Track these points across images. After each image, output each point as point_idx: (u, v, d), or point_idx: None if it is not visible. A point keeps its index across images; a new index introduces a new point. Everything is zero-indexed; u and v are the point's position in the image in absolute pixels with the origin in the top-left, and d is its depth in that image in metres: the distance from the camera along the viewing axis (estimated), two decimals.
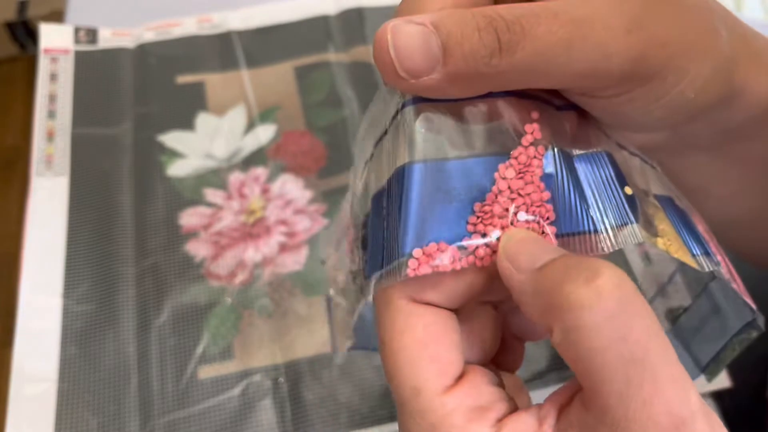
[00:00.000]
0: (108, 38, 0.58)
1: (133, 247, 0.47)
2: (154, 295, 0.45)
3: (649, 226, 0.21)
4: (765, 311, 0.24)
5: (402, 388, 0.20)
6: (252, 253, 0.47)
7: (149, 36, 0.58)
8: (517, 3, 0.20)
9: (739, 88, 0.23)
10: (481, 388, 0.20)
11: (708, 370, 0.25)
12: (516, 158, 0.20)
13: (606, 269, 0.17)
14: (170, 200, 0.49)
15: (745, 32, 0.24)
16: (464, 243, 0.20)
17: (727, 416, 0.42)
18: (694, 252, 0.22)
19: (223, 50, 0.57)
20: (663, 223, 0.22)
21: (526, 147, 0.21)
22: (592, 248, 0.20)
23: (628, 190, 0.22)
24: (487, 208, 0.20)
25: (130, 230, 0.48)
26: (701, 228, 0.24)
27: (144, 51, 0.57)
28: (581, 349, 0.17)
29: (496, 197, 0.20)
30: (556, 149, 0.21)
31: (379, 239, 0.21)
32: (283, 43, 0.58)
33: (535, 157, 0.21)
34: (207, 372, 0.42)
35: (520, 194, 0.20)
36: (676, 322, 0.28)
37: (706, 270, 0.22)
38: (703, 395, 0.41)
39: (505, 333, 0.26)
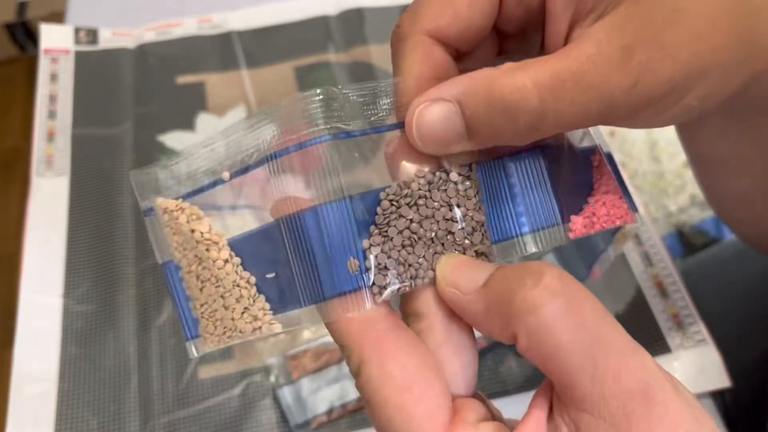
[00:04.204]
0: (108, 38, 0.58)
1: (134, 247, 0.47)
2: (155, 295, 0.45)
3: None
4: None
5: None
6: None
7: (149, 36, 0.58)
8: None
9: (761, 72, 0.22)
10: (476, 427, 0.19)
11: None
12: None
13: (547, 269, 0.18)
14: None
15: None
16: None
17: (727, 415, 0.42)
18: (634, 209, 0.24)
19: (223, 50, 0.57)
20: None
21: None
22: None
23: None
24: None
25: (131, 230, 0.48)
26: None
27: (144, 51, 0.57)
28: (548, 347, 0.18)
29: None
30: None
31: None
32: (283, 43, 0.58)
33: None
34: (207, 372, 0.42)
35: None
36: None
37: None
38: (703, 395, 0.41)
39: None
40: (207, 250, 0.22)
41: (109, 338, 0.43)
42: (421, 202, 0.21)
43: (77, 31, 0.57)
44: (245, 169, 0.22)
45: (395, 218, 0.21)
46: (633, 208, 0.24)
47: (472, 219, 0.21)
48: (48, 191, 0.49)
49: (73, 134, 0.52)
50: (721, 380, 0.41)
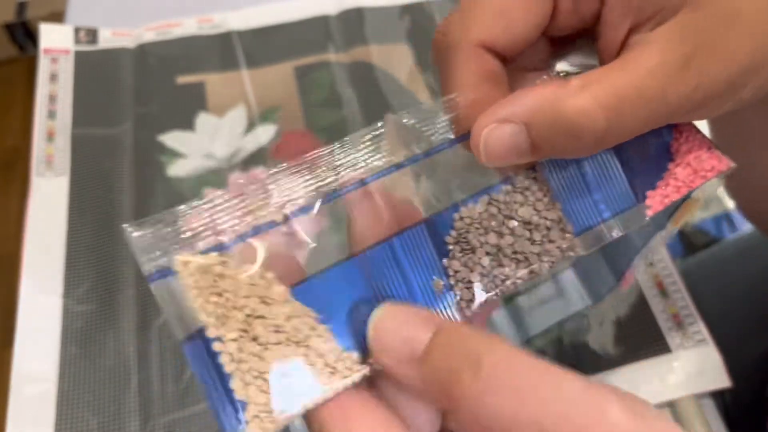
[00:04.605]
0: (108, 38, 0.58)
1: None
2: None
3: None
4: None
5: None
6: None
7: (149, 36, 0.58)
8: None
9: None
10: None
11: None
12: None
13: (486, 355, 0.18)
14: (170, 200, 0.49)
15: None
16: None
17: (727, 415, 0.42)
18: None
19: (223, 50, 0.57)
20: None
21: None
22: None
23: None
24: None
25: None
26: None
27: (144, 51, 0.57)
28: (496, 430, 0.17)
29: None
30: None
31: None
32: (283, 43, 0.58)
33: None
34: None
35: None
36: None
37: None
38: (703, 395, 0.41)
39: None
40: (267, 303, 0.19)
41: (109, 338, 0.43)
42: (494, 214, 0.22)
43: (77, 31, 0.57)
44: (305, 209, 0.21)
45: (472, 234, 0.21)
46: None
47: (547, 219, 0.22)
48: (48, 191, 0.49)
49: (73, 134, 0.52)
50: (721, 380, 0.41)
